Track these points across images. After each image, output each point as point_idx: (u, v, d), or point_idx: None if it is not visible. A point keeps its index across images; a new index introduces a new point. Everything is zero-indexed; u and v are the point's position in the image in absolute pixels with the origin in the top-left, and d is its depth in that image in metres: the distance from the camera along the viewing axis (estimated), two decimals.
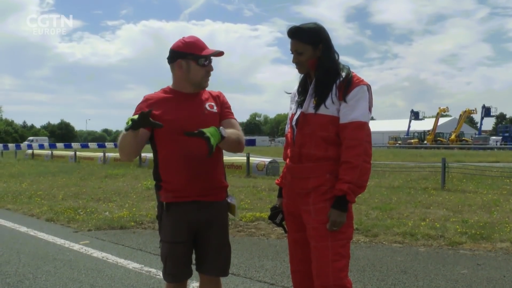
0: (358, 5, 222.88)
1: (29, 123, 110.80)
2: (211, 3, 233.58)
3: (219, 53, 2.60)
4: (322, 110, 2.46)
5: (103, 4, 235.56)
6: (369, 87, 2.50)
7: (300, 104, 2.58)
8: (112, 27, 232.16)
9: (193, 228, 2.62)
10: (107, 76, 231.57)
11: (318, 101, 2.48)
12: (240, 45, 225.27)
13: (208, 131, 2.28)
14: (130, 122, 2.29)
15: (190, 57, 2.56)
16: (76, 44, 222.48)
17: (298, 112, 2.56)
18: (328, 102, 2.45)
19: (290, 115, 2.67)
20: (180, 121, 2.49)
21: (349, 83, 2.46)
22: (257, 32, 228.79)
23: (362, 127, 2.43)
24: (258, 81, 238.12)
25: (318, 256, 2.45)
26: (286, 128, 2.75)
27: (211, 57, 2.62)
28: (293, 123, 2.58)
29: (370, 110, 2.49)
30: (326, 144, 2.48)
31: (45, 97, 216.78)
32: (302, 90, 2.63)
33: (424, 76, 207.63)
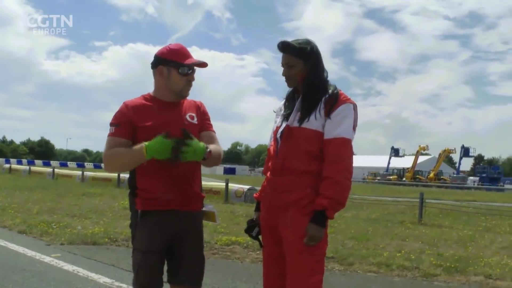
0: (344, 41, 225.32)
1: (9, 138, 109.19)
2: (199, 31, 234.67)
3: (202, 64, 2.59)
4: (306, 124, 2.48)
5: (91, 24, 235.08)
6: (355, 106, 2.53)
7: (286, 117, 2.59)
8: (99, 47, 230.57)
9: (169, 237, 2.57)
10: (92, 96, 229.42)
11: (302, 115, 2.50)
12: (226, 74, 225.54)
13: (197, 147, 2.33)
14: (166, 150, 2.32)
15: (172, 65, 2.53)
16: (62, 63, 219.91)
17: (284, 125, 2.57)
18: (313, 117, 2.48)
19: (274, 128, 2.68)
20: (159, 129, 2.40)
21: (336, 100, 2.49)
22: (243, 61, 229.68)
23: (346, 144, 2.45)
24: (242, 111, 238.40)
25: (294, 271, 2.43)
26: (269, 142, 2.76)
27: (195, 67, 2.59)
28: (278, 135, 2.58)
29: (354, 129, 2.52)
30: (310, 158, 2.49)
31: (28, 113, 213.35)
32: (289, 104, 2.64)
33: (406, 114, 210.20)
